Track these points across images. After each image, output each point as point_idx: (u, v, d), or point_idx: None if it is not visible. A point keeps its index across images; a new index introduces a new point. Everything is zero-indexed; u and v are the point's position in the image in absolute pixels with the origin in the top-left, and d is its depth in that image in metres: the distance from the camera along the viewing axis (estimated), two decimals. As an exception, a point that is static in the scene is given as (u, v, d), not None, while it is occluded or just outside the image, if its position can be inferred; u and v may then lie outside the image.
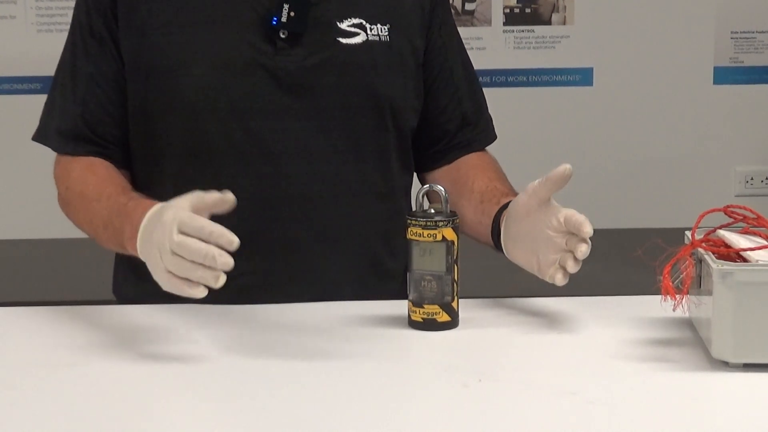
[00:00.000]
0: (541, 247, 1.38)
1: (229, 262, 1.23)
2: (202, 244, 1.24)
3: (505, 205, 1.50)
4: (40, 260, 3.23)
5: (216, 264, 1.23)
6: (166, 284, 1.28)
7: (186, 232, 1.25)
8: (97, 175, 1.55)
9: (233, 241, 1.24)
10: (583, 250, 1.33)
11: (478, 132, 1.72)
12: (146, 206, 1.37)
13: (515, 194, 1.53)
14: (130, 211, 1.40)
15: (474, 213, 1.58)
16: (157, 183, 1.61)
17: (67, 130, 1.59)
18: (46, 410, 1.17)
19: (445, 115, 1.69)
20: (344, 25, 1.58)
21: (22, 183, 3.07)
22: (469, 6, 3.13)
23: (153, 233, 1.30)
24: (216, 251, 1.23)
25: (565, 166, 1.34)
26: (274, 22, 1.55)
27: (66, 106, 1.60)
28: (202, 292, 1.25)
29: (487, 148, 1.74)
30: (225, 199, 1.30)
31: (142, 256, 1.35)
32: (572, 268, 1.35)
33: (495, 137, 1.75)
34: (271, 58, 1.55)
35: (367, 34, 1.59)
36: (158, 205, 1.35)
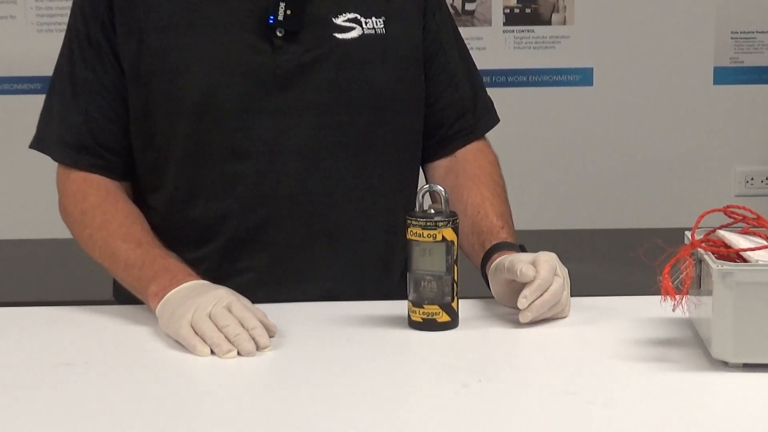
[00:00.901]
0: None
1: (252, 352, 1.32)
2: (240, 327, 1.34)
3: (491, 249, 1.54)
4: (40, 260, 3.23)
5: (240, 347, 1.32)
6: (184, 332, 1.35)
7: (233, 312, 1.36)
8: (119, 210, 1.57)
9: (265, 345, 1.34)
10: (526, 293, 1.40)
11: (477, 119, 1.71)
12: (188, 272, 1.47)
13: (501, 217, 1.60)
14: (172, 268, 1.48)
15: (464, 242, 1.58)
16: (158, 186, 1.61)
17: (71, 140, 1.58)
18: (46, 410, 1.18)
19: (443, 102, 1.69)
20: (339, 21, 1.58)
21: (22, 183, 3.07)
22: (469, 6, 3.13)
23: (199, 296, 1.39)
24: (247, 337, 1.33)
25: (530, 276, 1.40)
26: (271, 21, 1.55)
27: (67, 115, 1.59)
28: (205, 354, 1.33)
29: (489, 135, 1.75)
30: (268, 325, 1.37)
31: (164, 307, 1.42)
32: (523, 305, 1.40)
33: (497, 120, 1.74)
34: (270, 56, 1.55)
35: (362, 28, 1.59)
36: (205, 282, 1.45)
